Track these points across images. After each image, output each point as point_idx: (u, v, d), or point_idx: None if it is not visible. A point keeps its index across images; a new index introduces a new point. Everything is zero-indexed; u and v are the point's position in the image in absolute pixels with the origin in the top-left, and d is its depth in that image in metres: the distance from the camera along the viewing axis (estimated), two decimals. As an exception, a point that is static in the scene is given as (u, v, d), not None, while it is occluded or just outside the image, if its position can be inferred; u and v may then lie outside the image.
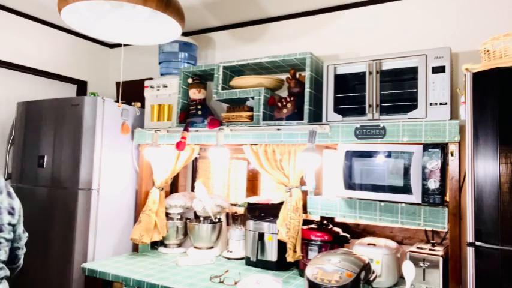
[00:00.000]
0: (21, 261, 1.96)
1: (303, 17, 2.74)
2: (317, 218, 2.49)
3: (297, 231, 2.18)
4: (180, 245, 2.78)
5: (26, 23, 3.03)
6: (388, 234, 2.32)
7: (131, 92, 3.09)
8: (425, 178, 1.82)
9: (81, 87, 3.48)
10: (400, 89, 1.99)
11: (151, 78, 2.97)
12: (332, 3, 2.59)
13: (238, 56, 2.98)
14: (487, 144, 1.50)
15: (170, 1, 1.69)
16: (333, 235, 2.14)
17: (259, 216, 2.43)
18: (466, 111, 1.54)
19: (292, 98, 2.33)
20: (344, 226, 2.43)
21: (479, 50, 1.71)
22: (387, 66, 2.03)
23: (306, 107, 2.22)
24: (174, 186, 3.05)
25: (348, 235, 2.21)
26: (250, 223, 2.40)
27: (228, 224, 2.78)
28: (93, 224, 2.50)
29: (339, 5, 2.60)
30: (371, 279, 1.72)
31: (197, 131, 2.50)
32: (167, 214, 2.73)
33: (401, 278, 2.05)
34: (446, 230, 1.79)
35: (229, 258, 2.52)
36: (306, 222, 2.37)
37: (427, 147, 1.83)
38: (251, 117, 2.40)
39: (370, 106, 2.04)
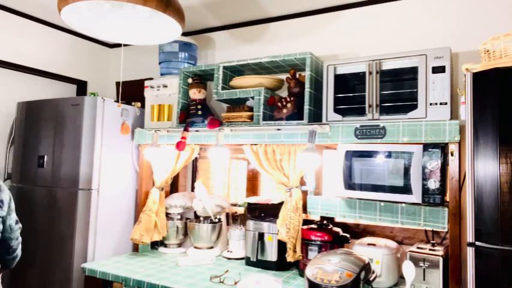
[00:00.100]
0: (17, 252, 1.99)
1: (303, 17, 2.74)
2: (317, 218, 2.49)
3: (297, 231, 2.18)
4: (180, 245, 2.78)
5: (26, 23, 3.03)
6: (388, 234, 2.32)
7: (131, 92, 3.09)
8: (425, 178, 1.82)
9: (81, 87, 3.48)
10: (400, 89, 1.99)
11: (151, 78, 2.97)
12: (332, 3, 2.59)
13: (238, 56, 2.98)
14: (487, 144, 1.50)
15: (170, 1, 1.69)
16: (333, 235, 2.14)
17: (259, 216, 2.43)
18: (466, 111, 1.54)
19: (292, 98, 2.33)
20: (344, 226, 2.43)
21: (479, 50, 1.71)
22: (387, 66, 2.03)
23: (306, 107, 2.22)
24: (174, 186, 3.05)
25: (348, 235, 2.21)
26: (250, 223, 2.40)
27: (228, 224, 2.78)
28: (93, 224, 2.50)
29: (339, 5, 2.60)
30: (371, 279, 1.72)
31: (197, 131, 2.50)
32: (167, 214, 2.73)
33: (401, 278, 2.05)
34: (446, 230, 1.79)
35: (229, 258, 2.52)
36: (306, 222, 2.37)
37: (427, 147, 1.83)
38: (251, 117, 2.40)
39: (370, 106, 2.04)
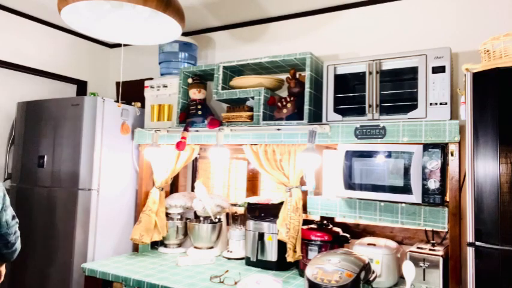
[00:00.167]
0: (17, 246, 2.01)
1: (303, 17, 2.74)
2: (317, 218, 2.49)
3: (297, 231, 2.18)
4: (180, 245, 2.78)
5: (26, 23, 3.03)
6: (388, 234, 2.32)
7: (131, 92, 3.09)
8: (425, 178, 1.82)
9: (81, 87, 3.48)
10: (400, 89, 1.99)
11: (151, 78, 2.97)
12: (332, 3, 2.59)
13: (238, 56, 2.98)
14: (487, 144, 1.50)
15: (170, 1, 1.69)
16: (333, 235, 2.14)
17: (259, 216, 2.43)
18: (466, 111, 1.54)
19: (292, 98, 2.33)
20: (344, 226, 2.43)
21: (479, 50, 1.71)
22: (387, 66, 2.03)
23: (306, 107, 2.22)
24: (174, 186, 3.05)
25: (348, 235, 2.21)
26: (250, 223, 2.40)
27: (228, 224, 2.78)
28: (93, 224, 2.50)
29: (339, 5, 2.60)
30: (371, 279, 1.72)
31: (197, 131, 2.50)
32: (167, 214, 2.73)
33: (401, 278, 2.05)
34: (446, 230, 1.79)
35: (229, 258, 2.52)
36: (306, 222, 2.37)
37: (427, 147, 1.83)
38: (251, 117, 2.40)
39: (370, 106, 2.04)
